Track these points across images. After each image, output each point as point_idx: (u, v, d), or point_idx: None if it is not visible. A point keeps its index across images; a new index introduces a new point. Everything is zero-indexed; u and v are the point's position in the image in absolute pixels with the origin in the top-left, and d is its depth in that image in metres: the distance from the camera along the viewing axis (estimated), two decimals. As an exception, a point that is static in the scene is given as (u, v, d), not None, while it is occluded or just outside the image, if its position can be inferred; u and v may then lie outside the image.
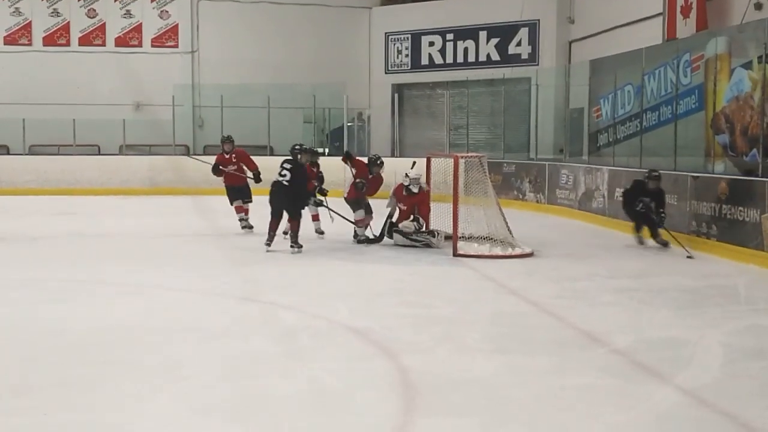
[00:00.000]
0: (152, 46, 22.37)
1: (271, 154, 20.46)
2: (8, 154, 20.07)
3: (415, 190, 10.99)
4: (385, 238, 11.06)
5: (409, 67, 21.94)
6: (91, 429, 4.31)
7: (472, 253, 10.13)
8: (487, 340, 6.33)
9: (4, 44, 21.91)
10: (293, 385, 5.04)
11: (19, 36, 21.99)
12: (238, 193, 12.30)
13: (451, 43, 21.29)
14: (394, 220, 11.06)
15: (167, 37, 22.44)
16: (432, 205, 11.35)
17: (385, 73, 22.15)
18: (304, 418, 4.52)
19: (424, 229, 10.95)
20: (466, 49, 21.16)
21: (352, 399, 4.86)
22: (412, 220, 10.91)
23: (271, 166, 18.41)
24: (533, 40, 20.41)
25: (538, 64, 20.14)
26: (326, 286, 8.43)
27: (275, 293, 7.93)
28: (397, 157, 19.30)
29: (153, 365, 5.44)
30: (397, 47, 21.86)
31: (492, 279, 8.87)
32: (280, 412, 4.57)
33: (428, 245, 10.66)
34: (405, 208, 11.05)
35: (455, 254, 10.07)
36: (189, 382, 5.10)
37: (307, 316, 7.01)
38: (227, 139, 12.73)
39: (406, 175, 11.05)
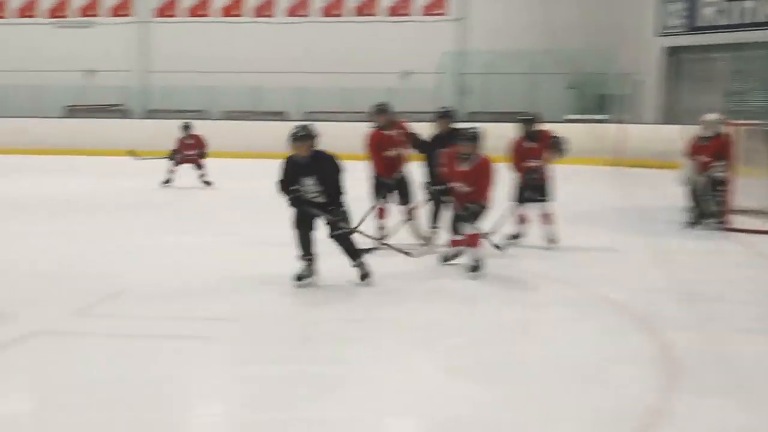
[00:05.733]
0: (423, 14, 22.81)
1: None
2: (286, 120, 21.45)
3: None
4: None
5: (684, 29, 20.70)
6: (349, 381, 4.52)
7: (747, 228, 9.42)
8: (761, 320, 5.91)
9: (288, 15, 23.27)
10: (548, 352, 4.98)
11: (299, 8, 23.29)
12: None
13: (732, 2, 19.79)
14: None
15: (437, 5, 22.79)
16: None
17: (657, 35, 21.06)
18: (558, 386, 4.45)
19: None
20: (747, 9, 19.59)
21: (608, 372, 4.73)
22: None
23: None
24: (825, -2, 18.49)
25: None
26: (585, 253, 8.21)
27: (532, 262, 7.84)
28: (668, 124, 18.36)
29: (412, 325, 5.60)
30: (672, 8, 20.67)
31: (767, 256, 8.23)
32: (534, 378, 4.53)
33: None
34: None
35: (728, 228, 9.42)
36: (443, 343, 5.20)
37: (561, 284, 6.88)
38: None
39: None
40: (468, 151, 6.98)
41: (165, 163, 13.58)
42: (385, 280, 6.65)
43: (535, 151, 8.37)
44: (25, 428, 3.94)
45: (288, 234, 6.59)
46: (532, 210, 8.39)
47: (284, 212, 6.67)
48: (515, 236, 8.37)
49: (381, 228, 8.25)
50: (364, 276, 6.59)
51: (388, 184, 8.30)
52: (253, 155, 18.06)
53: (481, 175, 6.96)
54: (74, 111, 22.48)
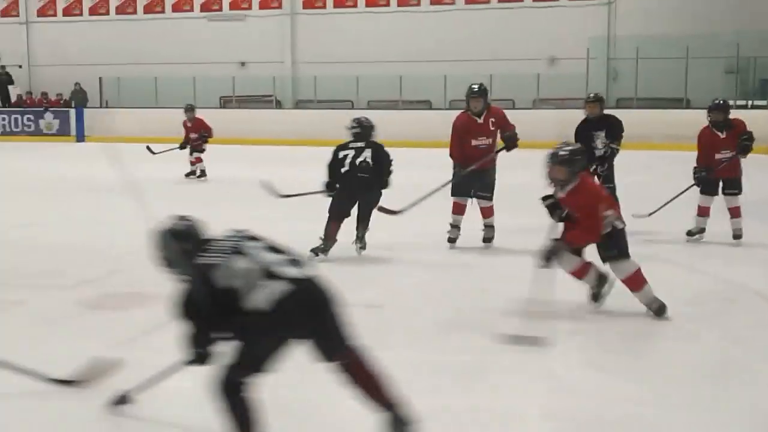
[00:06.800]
0: (569, -1, 22.38)
1: (687, 107, 19.49)
2: (431, 108, 21.52)
3: None
4: None
5: None
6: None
7: None
8: None
9: (431, 4, 23.31)
10: (696, 351, 4.81)
11: None
12: None
13: None
14: None
15: (585, -11, 22.28)
16: None
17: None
18: (701, 385, 4.32)
19: None
20: None
21: (752, 370, 4.52)
22: None
23: (686, 120, 17.57)
24: None
25: None
26: (736, 250, 7.82)
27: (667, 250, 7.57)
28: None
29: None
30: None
31: None
32: (680, 377, 4.38)
33: None
34: None
35: None
36: (586, 337, 5.11)
37: (717, 279, 6.62)
38: None
39: None
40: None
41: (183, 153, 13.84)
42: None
43: (727, 142, 7.86)
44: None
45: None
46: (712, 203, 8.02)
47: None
48: (700, 230, 8.03)
49: None
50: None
51: None
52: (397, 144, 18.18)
53: None
54: (228, 102, 23.32)
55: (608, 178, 8.34)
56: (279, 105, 23.54)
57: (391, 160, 7.30)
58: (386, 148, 7.38)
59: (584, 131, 8.39)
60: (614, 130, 8.48)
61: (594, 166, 8.15)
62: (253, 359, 3.29)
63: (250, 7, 24.68)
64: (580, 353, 4.84)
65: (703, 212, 8.02)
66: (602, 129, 8.44)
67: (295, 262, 3.43)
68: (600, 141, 8.42)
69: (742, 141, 7.81)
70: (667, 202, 8.36)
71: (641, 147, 15.28)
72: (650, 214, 8.23)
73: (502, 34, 22.06)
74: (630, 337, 5.13)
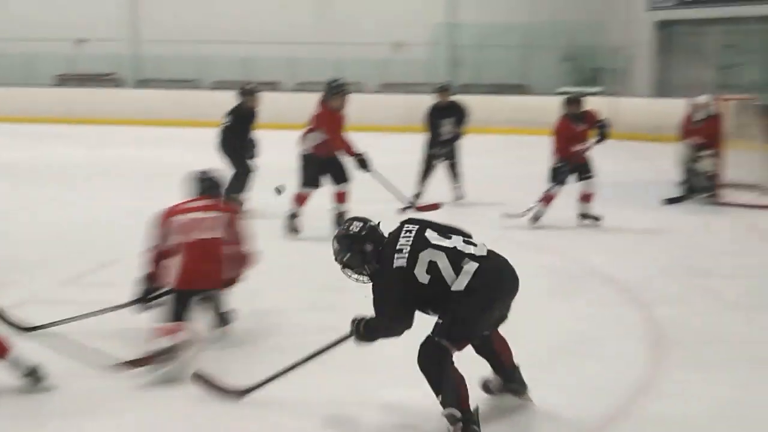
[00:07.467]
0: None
1: (527, 93, 20.24)
2: (277, 90, 21.36)
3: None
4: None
5: (675, 3, 20.63)
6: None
7: (738, 202, 9.49)
8: (750, 295, 5.99)
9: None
10: (537, 324, 5.01)
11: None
12: None
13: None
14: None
15: (429, -24, 22.63)
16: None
17: (649, 9, 20.99)
18: (553, 360, 4.53)
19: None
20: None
21: (601, 345, 4.80)
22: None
23: (527, 105, 18.19)
24: (818, -29, 18.40)
25: (825, -3, 18.19)
26: (581, 233, 8.21)
27: (525, 233, 7.88)
28: (660, 97, 18.40)
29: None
30: (663, -19, 20.59)
31: (758, 230, 8.31)
32: (521, 350, 4.56)
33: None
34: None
35: (719, 202, 9.48)
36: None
37: (551, 256, 6.95)
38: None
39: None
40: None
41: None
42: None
43: (584, 134, 8.09)
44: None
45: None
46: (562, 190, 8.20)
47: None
48: (537, 217, 8.19)
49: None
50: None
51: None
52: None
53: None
54: (65, 80, 22.34)
55: (450, 155, 9.38)
56: (119, 84, 22.77)
57: None
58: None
59: (433, 117, 9.30)
60: (461, 116, 9.36)
61: (439, 150, 9.25)
62: (462, 331, 3.52)
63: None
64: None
65: (548, 200, 8.19)
66: (451, 116, 9.30)
67: (469, 240, 3.67)
68: (448, 127, 9.28)
69: (602, 128, 8.11)
70: (534, 205, 8.25)
71: (484, 131, 15.74)
72: (522, 215, 8.17)
73: (349, 18, 22.14)
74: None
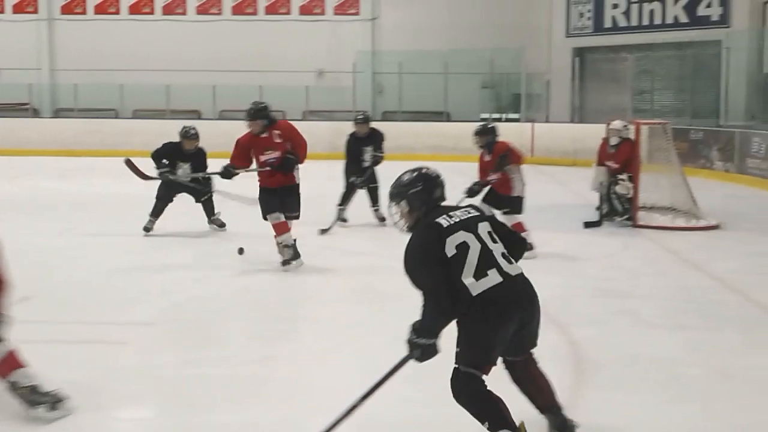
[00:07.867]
0: (335, 14, 22.80)
1: (448, 120, 20.50)
2: (200, 118, 21.16)
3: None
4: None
5: (591, 31, 21.22)
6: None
7: (654, 224, 9.76)
8: (666, 315, 6.13)
9: (197, 14, 22.98)
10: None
11: (210, 6, 23.01)
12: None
13: (636, 5, 20.33)
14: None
15: (349, 5, 22.80)
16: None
17: (566, 36, 21.53)
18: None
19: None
20: (652, 11, 20.14)
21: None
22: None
23: (448, 132, 18.39)
24: (724, 1, 19.19)
25: (729, 27, 18.94)
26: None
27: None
28: (577, 123, 18.88)
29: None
30: (579, 10, 21.15)
31: (674, 252, 8.52)
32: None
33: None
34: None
35: (635, 225, 9.72)
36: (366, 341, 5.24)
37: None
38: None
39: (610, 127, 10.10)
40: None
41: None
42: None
43: (491, 163, 7.95)
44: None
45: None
46: None
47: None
48: None
49: None
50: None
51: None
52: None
53: None
54: (-22, 109, 21.77)
55: (372, 179, 9.74)
56: (35, 114, 22.27)
57: None
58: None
59: (354, 145, 9.75)
60: (378, 141, 9.78)
61: (358, 178, 9.63)
62: (481, 354, 3.50)
63: (2, 11, 23.16)
64: (355, 360, 4.95)
65: None
66: (370, 144, 9.73)
67: (506, 256, 3.61)
68: (368, 155, 9.73)
69: (500, 160, 7.89)
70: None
71: (406, 158, 15.83)
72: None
73: (271, 45, 22.11)
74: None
